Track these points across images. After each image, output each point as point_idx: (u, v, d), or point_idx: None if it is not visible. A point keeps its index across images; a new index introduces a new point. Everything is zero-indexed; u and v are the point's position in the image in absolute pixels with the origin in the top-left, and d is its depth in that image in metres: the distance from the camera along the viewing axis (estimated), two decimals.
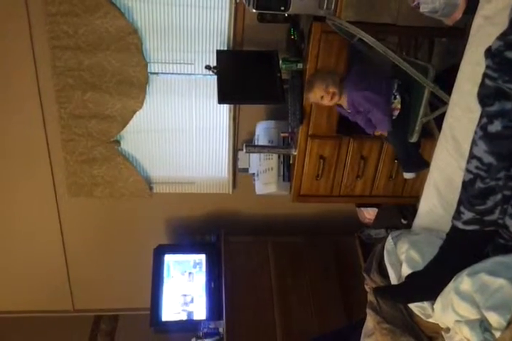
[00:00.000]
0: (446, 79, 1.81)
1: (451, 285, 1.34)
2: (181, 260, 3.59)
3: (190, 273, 3.55)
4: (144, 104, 3.25)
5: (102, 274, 3.99)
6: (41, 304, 4.09)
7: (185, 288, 3.51)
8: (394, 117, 2.49)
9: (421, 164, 2.66)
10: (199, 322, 3.41)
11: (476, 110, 1.24)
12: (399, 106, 2.46)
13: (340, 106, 2.65)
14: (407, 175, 2.89)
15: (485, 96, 1.16)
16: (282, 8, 2.42)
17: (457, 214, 1.32)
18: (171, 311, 3.39)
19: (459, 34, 2.23)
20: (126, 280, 3.95)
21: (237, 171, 3.63)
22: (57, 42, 2.99)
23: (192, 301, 3.46)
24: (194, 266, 3.58)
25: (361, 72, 2.55)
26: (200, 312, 3.40)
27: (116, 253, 3.92)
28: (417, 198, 2.79)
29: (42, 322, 4.07)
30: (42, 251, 3.88)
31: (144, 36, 3.10)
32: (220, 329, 3.34)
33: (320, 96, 2.55)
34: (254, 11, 2.47)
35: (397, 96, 2.45)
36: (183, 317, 3.41)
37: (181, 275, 3.55)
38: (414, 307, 1.53)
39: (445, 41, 2.70)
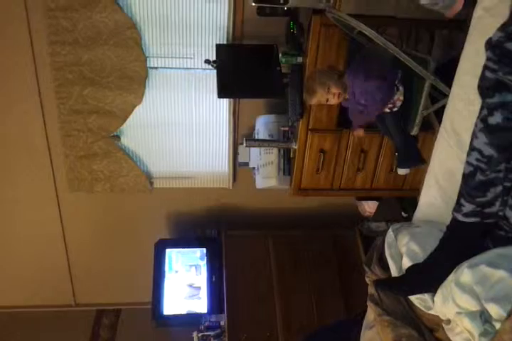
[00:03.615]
0: (447, 72, 1.81)
1: (451, 277, 1.34)
2: (187, 251, 3.61)
3: (196, 266, 3.55)
4: (144, 99, 3.24)
5: (104, 269, 4.00)
6: (43, 299, 4.10)
7: (188, 281, 3.52)
8: (396, 109, 2.48)
9: (418, 160, 2.62)
10: (200, 315, 3.43)
11: (477, 102, 1.24)
12: (401, 97, 2.44)
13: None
14: (401, 171, 2.86)
15: (485, 88, 1.16)
16: (282, 2, 2.42)
17: (458, 207, 1.33)
18: (172, 305, 3.41)
19: (459, 26, 2.22)
20: (128, 275, 3.96)
21: (237, 165, 3.63)
22: (56, 37, 2.98)
23: (195, 294, 3.47)
24: (201, 258, 3.57)
25: (363, 61, 2.51)
26: (201, 305, 3.42)
27: (118, 247, 3.93)
28: (417, 191, 2.78)
29: (44, 316, 4.09)
30: (43, 247, 3.89)
31: (142, 30, 3.08)
32: (222, 323, 3.36)
33: (325, 99, 2.50)
34: (253, 4, 2.47)
35: (400, 88, 2.42)
36: (185, 311, 3.42)
37: (185, 268, 3.56)
38: (415, 299, 1.53)
39: (445, 33, 2.68)
